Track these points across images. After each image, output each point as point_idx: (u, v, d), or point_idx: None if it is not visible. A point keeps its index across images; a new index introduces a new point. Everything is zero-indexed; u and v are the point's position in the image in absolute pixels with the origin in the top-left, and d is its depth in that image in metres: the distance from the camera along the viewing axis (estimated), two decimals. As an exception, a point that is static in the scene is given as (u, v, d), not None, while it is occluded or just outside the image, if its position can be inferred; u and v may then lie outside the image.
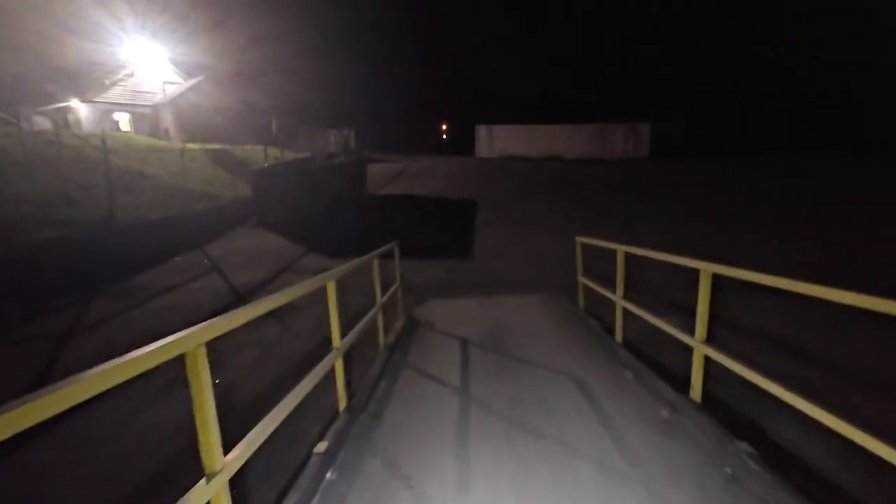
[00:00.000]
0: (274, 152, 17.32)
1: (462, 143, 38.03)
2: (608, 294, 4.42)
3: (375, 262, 4.20)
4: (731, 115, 37.68)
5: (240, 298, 6.78)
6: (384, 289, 5.32)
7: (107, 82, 20.20)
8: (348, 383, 3.13)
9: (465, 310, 5.94)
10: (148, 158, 14.07)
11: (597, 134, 31.11)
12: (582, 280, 5.55)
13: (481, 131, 33.40)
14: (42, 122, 19.49)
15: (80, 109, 19.67)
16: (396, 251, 5.51)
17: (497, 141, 33.02)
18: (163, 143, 17.43)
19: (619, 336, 4.24)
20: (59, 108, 19.03)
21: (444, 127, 53.43)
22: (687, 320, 3.07)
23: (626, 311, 4.15)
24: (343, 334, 2.99)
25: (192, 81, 22.44)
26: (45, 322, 5.82)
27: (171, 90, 21.84)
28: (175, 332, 1.47)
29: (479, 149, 33.58)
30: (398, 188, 18.21)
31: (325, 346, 2.98)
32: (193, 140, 20.54)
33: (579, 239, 5.58)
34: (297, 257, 9.16)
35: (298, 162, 15.19)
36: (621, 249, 4.09)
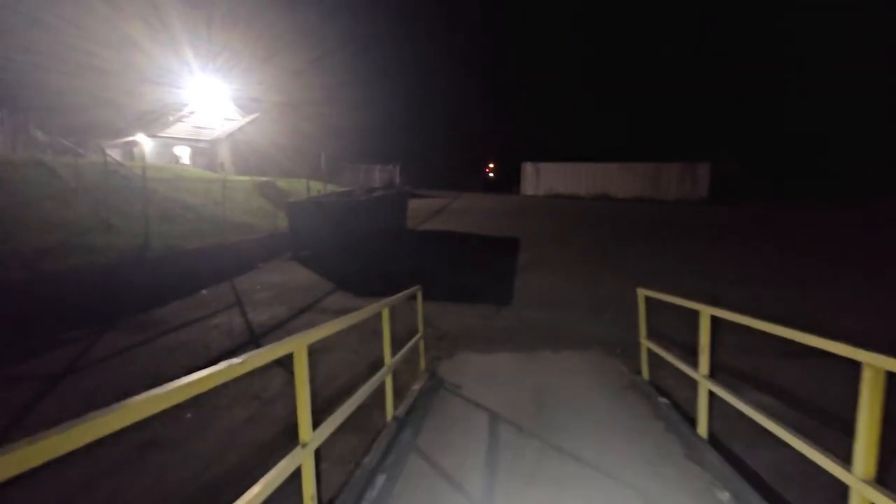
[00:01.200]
0: (317, 186, 17.41)
1: (508, 182, 37.61)
2: (687, 370, 3.37)
3: (385, 314, 3.42)
4: (799, 157, 34.98)
5: (252, 340, 6.18)
6: (405, 338, 4.52)
7: (171, 118, 21.51)
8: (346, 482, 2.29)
9: (499, 369, 5.01)
10: (195, 189, 14.36)
11: (650, 173, 29.64)
12: (646, 343, 4.49)
13: (527, 169, 32.83)
14: (112, 155, 20.81)
15: (146, 143, 20.93)
16: (419, 297, 4.72)
17: (544, 179, 32.27)
18: (213, 175, 17.99)
19: (702, 428, 3.17)
20: (127, 142, 20.33)
21: (490, 165, 53.56)
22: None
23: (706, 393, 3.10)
24: (315, 423, 2.19)
25: (249, 118, 23.52)
26: (46, 357, 5.43)
27: (229, 126, 22.93)
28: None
29: (525, 187, 32.91)
30: (438, 224, 17.68)
31: (332, 405, 2.35)
32: (246, 173, 21.25)
33: (643, 291, 4.57)
34: (323, 295, 8.58)
35: (337, 195, 15.04)
36: (706, 311, 3.09)
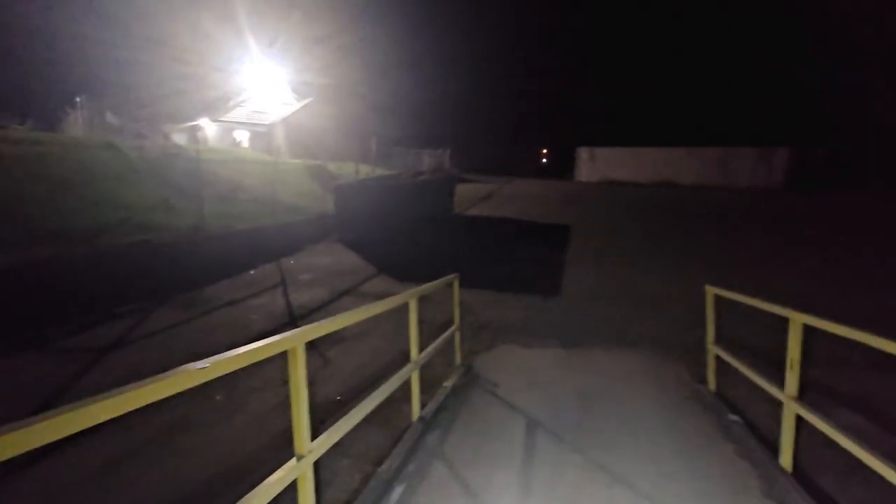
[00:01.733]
0: (365, 169, 17.42)
1: (562, 167, 36.20)
2: (770, 388, 2.80)
3: (413, 304, 3.10)
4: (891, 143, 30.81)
5: (291, 321, 6.13)
6: (445, 327, 4.21)
7: (231, 104, 22.29)
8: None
9: (541, 366, 4.59)
10: (250, 171, 14.75)
11: (719, 158, 27.33)
12: (714, 349, 3.89)
13: (583, 154, 31.34)
14: (178, 138, 21.96)
15: (209, 128, 21.88)
16: (456, 285, 4.36)
17: (600, 164, 30.67)
18: (268, 158, 18.49)
19: (786, 458, 2.62)
20: (192, 126, 21.32)
21: (544, 151, 51.97)
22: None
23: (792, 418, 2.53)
24: (313, 434, 1.91)
25: (304, 102, 23.95)
26: (98, 331, 5.63)
27: (284, 110, 23.46)
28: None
29: (580, 173, 31.48)
30: (486, 210, 17.18)
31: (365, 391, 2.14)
32: (300, 156, 21.71)
33: (712, 289, 3.95)
34: (364, 279, 8.46)
35: (384, 178, 14.92)
36: (798, 318, 2.51)
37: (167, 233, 8.84)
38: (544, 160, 52.97)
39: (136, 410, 1.13)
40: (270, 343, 1.65)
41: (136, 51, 19.71)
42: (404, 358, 3.45)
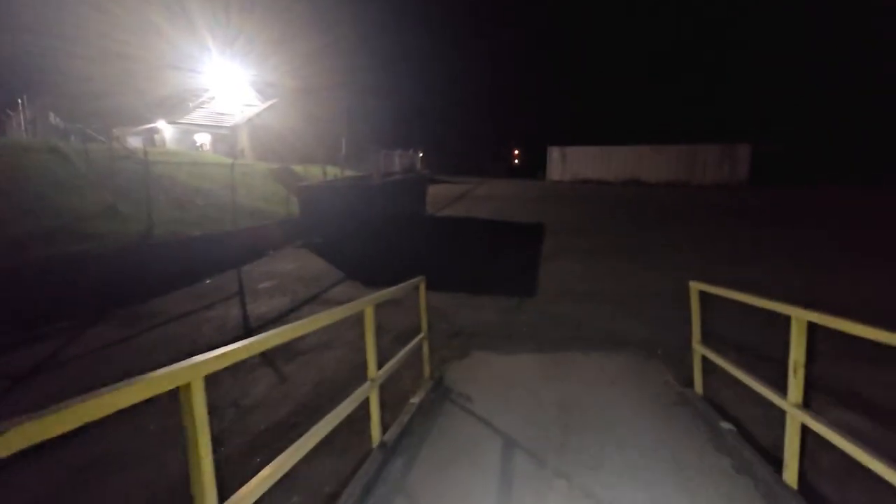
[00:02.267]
0: (333, 171, 16.83)
1: (534, 167, 36.31)
2: (769, 395, 2.50)
3: (368, 313, 2.67)
4: (846, 137, 32.18)
5: (245, 335, 5.58)
6: (415, 334, 3.79)
7: (191, 105, 21.28)
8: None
9: (518, 374, 4.23)
10: (209, 175, 13.96)
11: (684, 155, 27.87)
12: (701, 349, 3.61)
13: (553, 153, 31.49)
14: (134, 141, 20.79)
15: (166, 130, 20.79)
16: (423, 289, 3.96)
17: (570, 163, 30.89)
18: (229, 161, 17.66)
19: (791, 474, 2.32)
20: (149, 129, 20.22)
21: (516, 151, 52.23)
22: None
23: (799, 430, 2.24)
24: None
25: (268, 103, 23.10)
26: (17, 354, 4.96)
27: (248, 112, 22.56)
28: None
29: (552, 172, 31.61)
30: (459, 210, 16.86)
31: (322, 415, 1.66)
32: (266, 159, 20.88)
33: (696, 285, 3.68)
34: (330, 285, 7.96)
35: (351, 179, 14.38)
36: (801, 316, 2.22)
37: (113, 241, 8.11)
38: (516, 161, 53.19)
39: None
40: (153, 378, 1.21)
41: (83, 46, 18.51)
42: (379, 360, 3.06)
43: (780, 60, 37.50)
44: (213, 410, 3.70)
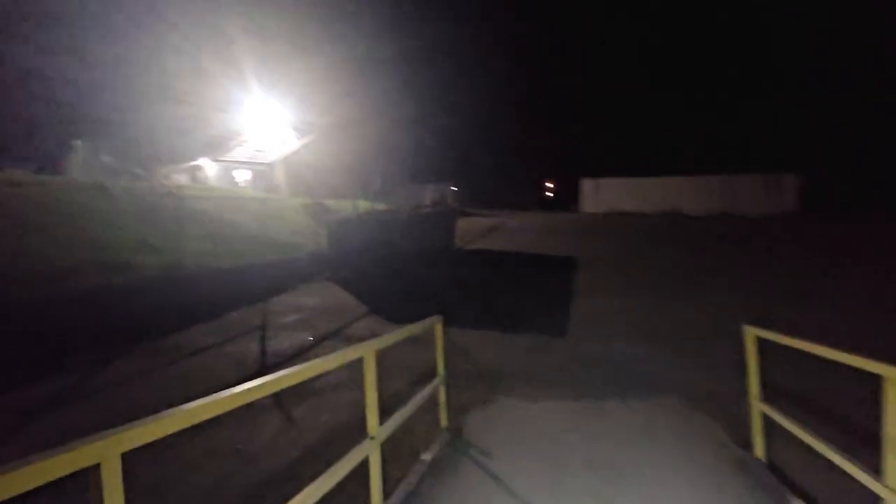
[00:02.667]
0: (364, 205, 17.05)
1: (567, 200, 35.88)
2: (860, 475, 2.02)
3: (369, 359, 2.39)
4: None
5: (260, 372, 5.40)
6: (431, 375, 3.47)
7: (232, 143, 22.37)
8: None
9: (547, 426, 3.80)
10: (245, 209, 14.37)
11: (726, 186, 26.82)
12: (760, 406, 3.10)
13: (587, 185, 31.03)
14: (180, 178, 21.93)
15: (209, 167, 21.88)
16: (439, 329, 3.65)
17: (605, 195, 30.27)
18: (263, 195, 18.22)
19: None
20: (192, 166, 21.33)
21: (548, 184, 51.93)
22: None
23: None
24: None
25: (304, 140, 24.02)
26: (36, 387, 4.94)
27: (286, 149, 23.48)
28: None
29: (585, 204, 31.06)
30: (489, 243, 16.57)
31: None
32: (301, 194, 21.50)
33: (753, 330, 3.21)
34: (353, 320, 7.76)
35: (380, 213, 14.45)
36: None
37: (141, 274, 8.28)
38: (549, 193, 52.81)
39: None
40: (54, 457, 0.96)
41: (139, 94, 19.99)
42: (392, 406, 2.78)
43: (828, 84, 36.07)
44: (212, 456, 3.47)
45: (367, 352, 2.32)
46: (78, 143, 16.28)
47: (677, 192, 28.26)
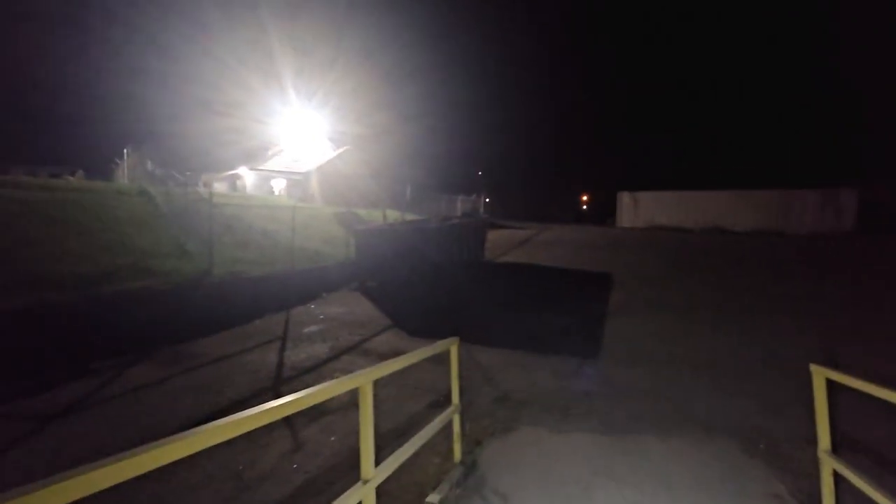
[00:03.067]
0: (395, 215, 16.99)
1: (603, 214, 34.97)
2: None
3: (365, 390, 2.10)
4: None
5: (274, 386, 5.23)
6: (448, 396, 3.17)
7: (269, 153, 22.98)
8: None
9: (574, 466, 3.40)
10: (277, 217, 14.56)
11: (776, 202, 25.22)
12: (831, 462, 2.61)
13: (624, 198, 30.00)
14: (220, 187, 22.65)
15: (247, 176, 22.52)
16: (454, 353, 3.32)
17: (643, 209, 29.16)
18: (299, 204, 18.49)
19: None
20: (232, 175, 22.01)
21: (584, 197, 51.05)
22: None
23: None
24: None
25: (339, 150, 24.40)
26: (61, 390, 4.95)
27: (321, 158, 23.92)
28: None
29: (622, 218, 30.02)
30: (519, 257, 16.12)
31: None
32: (334, 203, 21.78)
33: (821, 371, 2.73)
34: (374, 333, 7.54)
35: (409, 223, 14.29)
36: None
37: (171, 279, 8.38)
38: (584, 206, 51.81)
39: None
40: None
41: (183, 107, 20.87)
42: (403, 433, 2.49)
43: (889, 91, 33.64)
44: (210, 482, 3.26)
45: (364, 381, 2.03)
46: (126, 151, 17.10)
47: (722, 207, 26.83)
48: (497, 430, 4.14)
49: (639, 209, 29.32)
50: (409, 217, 18.28)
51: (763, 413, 4.51)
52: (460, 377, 4.46)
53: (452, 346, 3.23)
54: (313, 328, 7.81)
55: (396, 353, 6.44)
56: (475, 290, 11.14)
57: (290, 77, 22.63)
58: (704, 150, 40.47)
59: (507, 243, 19.74)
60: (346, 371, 5.64)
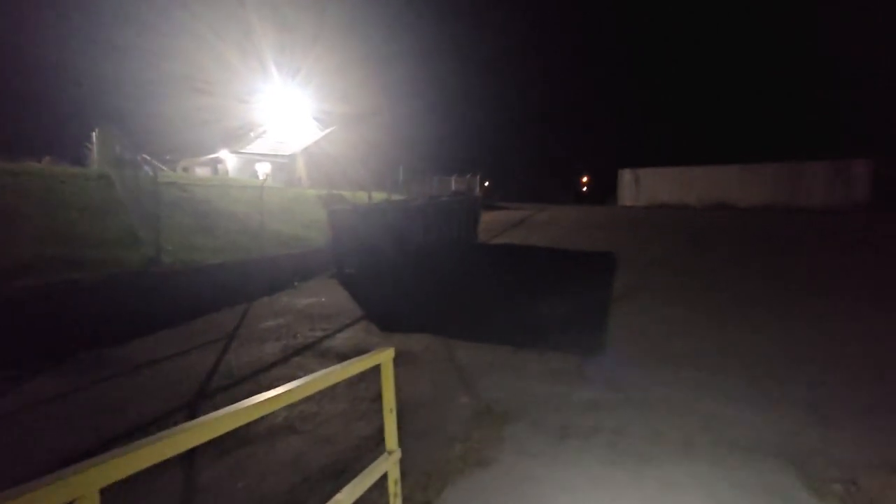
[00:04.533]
0: (381, 196, 15.81)
1: (604, 193, 33.74)
2: None
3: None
4: None
5: (195, 400, 4.14)
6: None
7: (252, 134, 21.65)
8: None
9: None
10: (253, 199, 13.37)
11: (784, 175, 23.86)
12: None
13: (625, 176, 28.68)
14: (200, 172, 21.40)
15: (229, 160, 21.23)
16: (388, 370, 2.17)
17: (645, 187, 27.84)
18: (279, 187, 17.29)
19: None
20: (213, 159, 20.72)
21: (584, 179, 49.98)
22: None
23: None
24: None
25: (326, 131, 23.01)
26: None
27: (306, 140, 22.58)
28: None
29: (624, 197, 28.74)
30: (515, 238, 14.96)
31: None
32: (322, 186, 20.54)
33: None
34: (341, 327, 6.43)
35: (392, 202, 13.07)
36: None
37: (112, 269, 7.25)
38: (584, 188, 50.63)
39: None
40: None
41: (157, 84, 19.53)
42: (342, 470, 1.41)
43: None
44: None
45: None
46: (94, 133, 15.87)
47: (727, 182, 25.50)
48: (470, 463, 3.04)
49: (641, 187, 28.02)
50: (396, 198, 17.09)
51: (818, 427, 3.42)
52: (433, 384, 3.38)
53: (384, 359, 2.10)
54: (271, 323, 6.70)
55: (359, 353, 5.35)
56: (464, 275, 10.02)
57: (270, 53, 21.21)
58: (708, 124, 38.86)
59: (502, 224, 18.57)
60: (287, 379, 4.55)
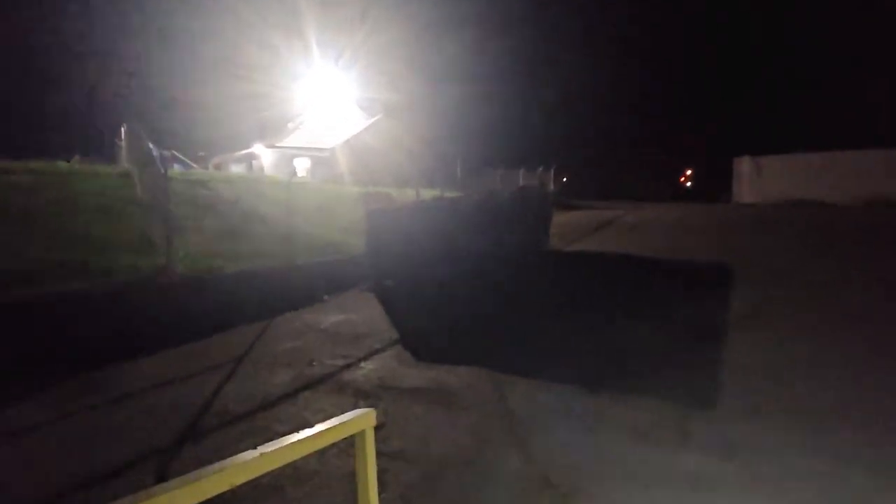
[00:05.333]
0: (431, 194, 15.51)
1: (715, 188, 31.51)
2: None
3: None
4: None
5: (176, 445, 3.88)
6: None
7: (290, 125, 22.34)
8: None
9: None
10: (284, 199, 13.60)
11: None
12: None
13: (743, 166, 26.43)
14: (235, 169, 22.44)
15: (265, 155, 22.04)
16: (370, 448, 1.65)
17: (770, 179, 25.37)
18: (315, 184, 17.59)
19: None
20: (247, 154, 21.63)
21: (686, 171, 47.61)
22: None
23: None
24: None
25: (370, 121, 23.23)
26: None
27: (348, 132, 22.93)
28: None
29: (741, 192, 26.51)
30: (598, 244, 13.99)
31: None
32: (365, 182, 20.75)
33: None
34: (369, 353, 6.07)
35: (440, 200, 12.62)
36: None
37: (120, 278, 7.43)
38: (687, 181, 48.04)
39: None
40: None
41: (194, 71, 20.77)
42: None
43: None
44: None
45: None
46: (122, 129, 17.06)
47: (882, 170, 22.51)
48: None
49: (764, 179, 25.59)
50: (449, 195, 16.74)
51: None
52: (474, 436, 2.84)
53: (365, 425, 1.59)
54: (288, 345, 6.49)
55: (384, 389, 4.91)
56: (527, 291, 9.36)
57: (311, 31, 21.83)
58: (851, 98, 34.98)
59: (583, 226, 17.61)
60: (289, 421, 4.18)
